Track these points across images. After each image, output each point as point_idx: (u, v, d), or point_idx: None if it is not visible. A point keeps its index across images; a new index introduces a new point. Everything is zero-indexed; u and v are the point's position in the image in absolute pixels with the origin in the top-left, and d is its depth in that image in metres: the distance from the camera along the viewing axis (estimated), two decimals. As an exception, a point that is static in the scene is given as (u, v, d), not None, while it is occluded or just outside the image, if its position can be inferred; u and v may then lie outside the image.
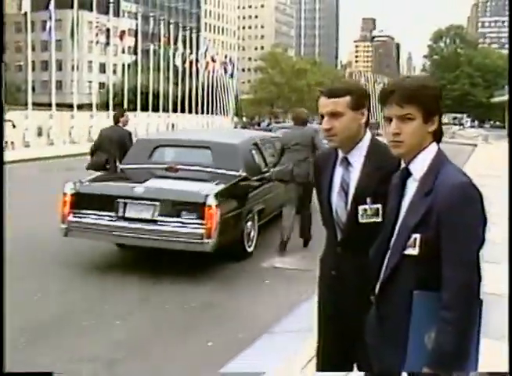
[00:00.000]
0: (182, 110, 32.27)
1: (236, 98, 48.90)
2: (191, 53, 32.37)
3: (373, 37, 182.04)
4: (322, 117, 1.59)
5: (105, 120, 17.87)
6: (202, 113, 36.68)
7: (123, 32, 25.20)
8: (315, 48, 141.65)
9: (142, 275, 4.09)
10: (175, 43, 29.51)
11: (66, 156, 14.72)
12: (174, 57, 29.47)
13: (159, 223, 4.09)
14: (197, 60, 33.97)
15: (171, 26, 29.88)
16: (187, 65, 32.45)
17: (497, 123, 62.24)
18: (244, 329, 3.22)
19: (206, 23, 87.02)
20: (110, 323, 3.28)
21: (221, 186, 4.18)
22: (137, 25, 27.90)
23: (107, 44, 24.16)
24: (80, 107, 23.19)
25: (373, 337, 1.32)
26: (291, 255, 4.90)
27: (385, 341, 1.27)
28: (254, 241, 4.82)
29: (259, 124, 65.69)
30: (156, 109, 29.02)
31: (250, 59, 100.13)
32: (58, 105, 20.62)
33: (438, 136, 1.26)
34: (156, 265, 4.39)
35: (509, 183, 3.44)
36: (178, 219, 4.03)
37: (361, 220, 1.48)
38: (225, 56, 42.49)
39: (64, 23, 37.33)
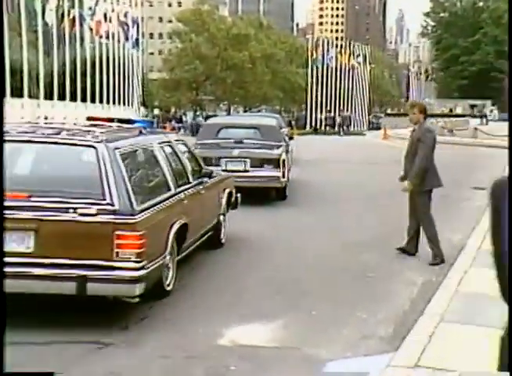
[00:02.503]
0: (49, 96, 31.18)
1: (142, 78, 49.23)
2: (72, 7, 32.71)
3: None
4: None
5: None
6: (84, 100, 36.18)
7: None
8: (260, 5, 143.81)
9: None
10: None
11: None
12: (43, 12, 29.23)
13: (249, 172, 11.56)
14: (82, 18, 33.99)
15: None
16: (66, 24, 32.19)
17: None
18: None
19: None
20: None
21: (281, 149, 12.22)
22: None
23: None
24: None
25: None
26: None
27: None
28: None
29: (180, 120, 65.63)
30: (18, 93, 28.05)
31: (161, 19, 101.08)
32: None
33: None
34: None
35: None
36: (262, 169, 11.61)
37: None
38: (125, 14, 42.09)
39: None
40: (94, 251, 5.17)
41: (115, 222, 5.17)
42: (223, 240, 8.37)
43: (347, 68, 59.21)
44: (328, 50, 58.19)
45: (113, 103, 41.47)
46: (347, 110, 57.41)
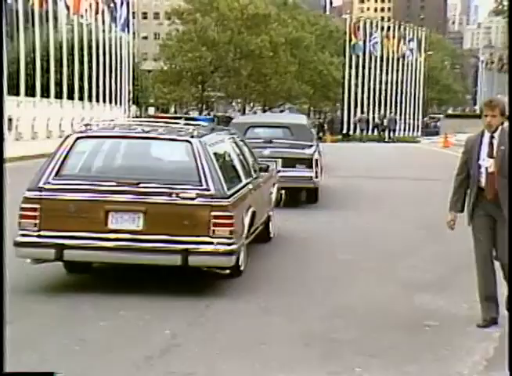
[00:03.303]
0: (15, 91, 31.28)
1: (133, 69, 49.97)
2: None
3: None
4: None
5: None
6: (59, 97, 36.62)
7: None
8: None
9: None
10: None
11: None
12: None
13: (281, 172, 12.86)
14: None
15: None
16: (36, 4, 32.66)
17: None
18: None
19: None
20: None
21: (313, 149, 14.88)
22: None
23: None
24: None
25: None
26: None
27: None
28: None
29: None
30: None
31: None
32: None
33: None
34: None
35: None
36: (294, 169, 14.15)
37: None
38: (113, -11, 42.61)
39: None
40: (193, 229, 7.62)
41: (211, 204, 7.64)
42: (272, 234, 10.92)
43: (395, 56, 59.60)
44: (371, 34, 58.57)
45: (97, 100, 42.16)
46: (396, 110, 57.34)
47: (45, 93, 35.00)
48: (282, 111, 56.15)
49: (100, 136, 8.53)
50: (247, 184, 8.98)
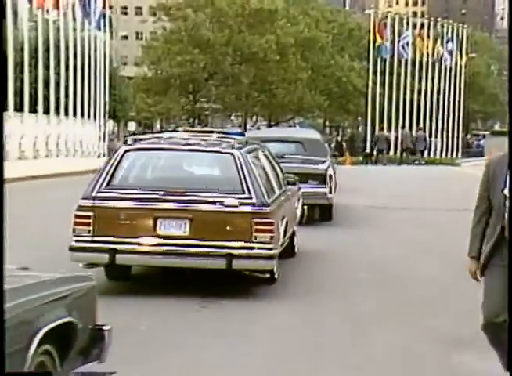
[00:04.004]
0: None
1: (110, 76, 50.48)
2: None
3: None
4: None
5: None
6: (19, 109, 36.88)
7: None
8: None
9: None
10: None
11: None
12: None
13: None
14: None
15: None
16: None
17: None
18: None
19: None
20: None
21: (327, 164, 18.00)
22: None
23: None
24: None
25: None
26: None
27: None
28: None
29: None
30: None
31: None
32: None
33: None
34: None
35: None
36: (307, 185, 16.14)
37: None
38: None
39: None
40: (236, 235, 10.01)
41: (254, 211, 10.01)
42: (296, 250, 13.34)
43: (430, 60, 59.68)
44: (401, 32, 58.65)
45: (66, 113, 42.44)
46: (430, 126, 57.54)
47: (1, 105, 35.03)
48: (290, 127, 55.80)
49: (147, 149, 11.21)
50: (280, 195, 11.63)
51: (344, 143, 53.98)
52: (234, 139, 11.90)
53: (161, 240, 9.96)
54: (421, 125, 56.68)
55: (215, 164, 11.18)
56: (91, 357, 5.60)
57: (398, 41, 57.92)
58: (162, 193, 10.07)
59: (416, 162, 49.51)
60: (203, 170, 11.52)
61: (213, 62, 66.30)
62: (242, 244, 9.91)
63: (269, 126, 69.03)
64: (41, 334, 4.83)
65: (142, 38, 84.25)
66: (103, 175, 10.21)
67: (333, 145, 51.60)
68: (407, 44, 58.28)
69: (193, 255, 10.01)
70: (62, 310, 5.22)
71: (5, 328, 3.86)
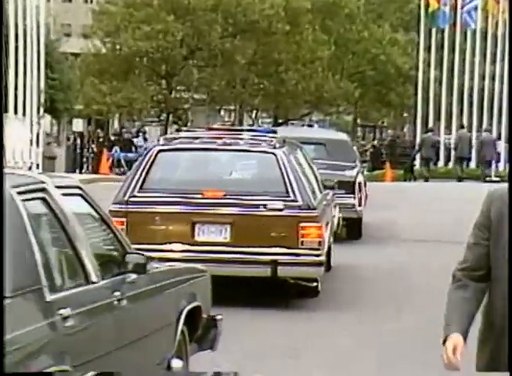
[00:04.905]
0: None
1: (46, 53, 51.03)
2: None
3: None
4: None
5: None
6: None
7: None
8: None
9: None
10: None
11: None
12: None
13: None
14: None
15: None
16: None
17: None
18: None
19: None
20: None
21: (356, 170, 26.93)
22: None
23: None
24: None
25: None
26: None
27: None
28: None
29: (130, 148, 66.70)
30: None
31: None
32: None
33: None
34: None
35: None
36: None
37: None
38: None
39: None
40: (281, 240, 14.48)
41: (300, 215, 14.50)
42: (332, 264, 17.63)
43: (507, 31, 56.76)
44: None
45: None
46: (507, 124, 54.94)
47: None
48: (309, 126, 55.10)
49: (182, 149, 14.90)
50: (322, 199, 15.74)
51: (383, 150, 51.00)
52: (271, 137, 14.83)
53: (200, 247, 12.89)
54: (489, 125, 55.07)
55: (256, 164, 14.30)
56: (206, 345, 8.71)
57: (462, 6, 57.03)
58: (200, 196, 12.90)
59: (487, 179, 48.30)
60: (244, 171, 14.54)
61: (195, 33, 66.44)
62: (287, 250, 12.95)
63: (275, 124, 67.72)
64: (185, 312, 7.95)
65: (92, 1, 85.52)
66: (136, 178, 12.97)
67: (368, 152, 50.59)
68: (475, 9, 57.47)
69: (236, 262, 13.03)
70: (193, 295, 8.55)
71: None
